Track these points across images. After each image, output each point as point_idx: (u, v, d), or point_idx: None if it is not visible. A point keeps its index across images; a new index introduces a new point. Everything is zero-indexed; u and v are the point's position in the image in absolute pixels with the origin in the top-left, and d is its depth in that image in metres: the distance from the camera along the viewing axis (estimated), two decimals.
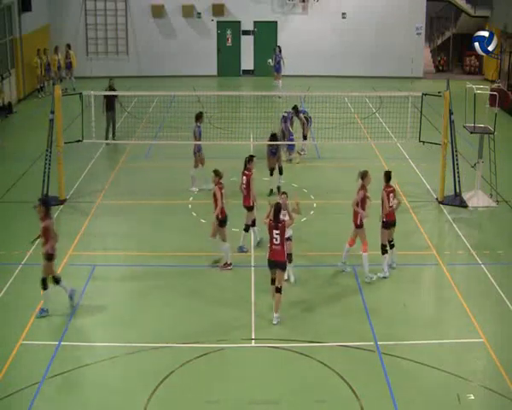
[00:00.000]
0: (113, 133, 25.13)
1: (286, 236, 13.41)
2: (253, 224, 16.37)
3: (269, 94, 28.05)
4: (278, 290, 13.23)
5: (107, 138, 24.49)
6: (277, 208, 13.31)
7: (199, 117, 20.31)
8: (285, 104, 23.56)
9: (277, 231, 13.13)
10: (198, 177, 20.14)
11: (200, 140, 20.11)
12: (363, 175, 15.39)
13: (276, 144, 19.89)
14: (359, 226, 15.19)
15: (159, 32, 36.53)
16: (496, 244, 17.07)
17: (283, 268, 13.40)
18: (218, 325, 13.28)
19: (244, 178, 16.27)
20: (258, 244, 16.50)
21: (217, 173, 15.50)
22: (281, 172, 19.96)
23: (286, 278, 14.18)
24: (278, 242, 13.16)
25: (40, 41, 33.53)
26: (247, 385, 11.66)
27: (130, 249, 16.54)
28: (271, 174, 19.94)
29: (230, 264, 15.43)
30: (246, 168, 16.38)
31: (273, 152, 19.84)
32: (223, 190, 15.30)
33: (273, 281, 13.40)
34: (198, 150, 20.20)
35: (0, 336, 12.96)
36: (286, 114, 22.29)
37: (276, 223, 13.18)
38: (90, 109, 19.82)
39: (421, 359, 12.32)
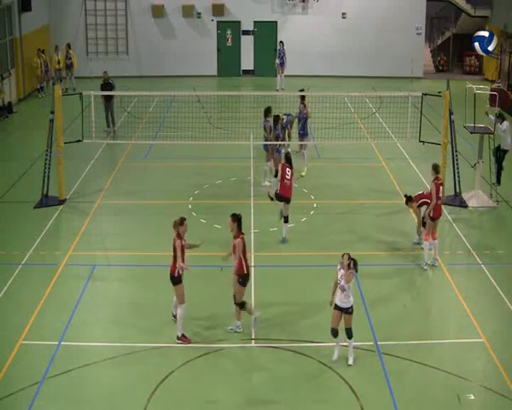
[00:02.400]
0: (113, 123, 25.90)
1: (347, 305, 12.01)
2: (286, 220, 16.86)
3: (269, 94, 28.03)
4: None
5: (108, 126, 25.57)
6: (238, 219, 13.01)
7: (267, 112, 20.27)
8: (285, 104, 23.50)
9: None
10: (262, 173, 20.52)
11: (271, 134, 20.18)
12: (435, 168, 15.76)
13: (278, 143, 19.85)
14: (433, 219, 15.56)
15: (159, 32, 36.52)
16: (496, 244, 17.07)
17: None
18: (218, 325, 13.28)
19: (289, 169, 16.58)
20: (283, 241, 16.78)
21: (176, 224, 13.25)
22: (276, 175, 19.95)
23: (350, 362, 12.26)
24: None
25: (40, 41, 33.54)
26: (247, 385, 11.67)
27: (130, 249, 16.55)
28: (276, 175, 19.90)
29: (187, 339, 12.87)
30: (289, 162, 16.72)
31: (278, 150, 19.92)
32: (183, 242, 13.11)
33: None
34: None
35: (0, 336, 12.98)
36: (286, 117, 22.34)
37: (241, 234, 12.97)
38: (90, 109, 19.86)
39: (421, 359, 12.33)
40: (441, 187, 15.68)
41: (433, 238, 15.62)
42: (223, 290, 14.38)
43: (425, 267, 15.54)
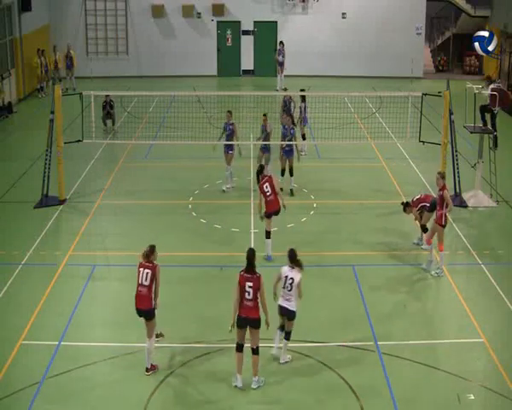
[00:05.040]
0: (113, 122, 26.43)
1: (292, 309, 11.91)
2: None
3: (269, 94, 28.05)
4: (255, 352, 11.59)
5: (105, 125, 26.04)
6: (251, 254, 11.54)
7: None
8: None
9: (250, 284, 11.37)
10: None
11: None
12: (443, 176, 15.48)
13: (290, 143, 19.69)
14: (444, 226, 15.24)
15: (159, 32, 36.53)
16: (496, 244, 17.07)
17: (257, 326, 11.50)
18: (218, 325, 13.26)
19: (267, 184, 15.64)
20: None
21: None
22: (291, 174, 19.82)
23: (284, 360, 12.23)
24: (251, 296, 11.39)
25: (40, 41, 33.55)
26: (247, 385, 11.66)
27: (130, 249, 16.52)
28: (282, 175, 19.84)
29: (155, 367, 12.03)
30: (261, 177, 15.92)
31: (286, 151, 19.66)
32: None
33: (240, 346, 11.62)
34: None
35: (0, 336, 12.98)
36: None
37: (249, 275, 11.43)
38: (90, 109, 19.87)
39: (421, 359, 12.33)
40: None
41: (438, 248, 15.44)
42: (222, 290, 14.38)
43: (442, 274, 15.33)
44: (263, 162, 19.15)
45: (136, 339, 12.81)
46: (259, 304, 11.42)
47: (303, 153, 23.40)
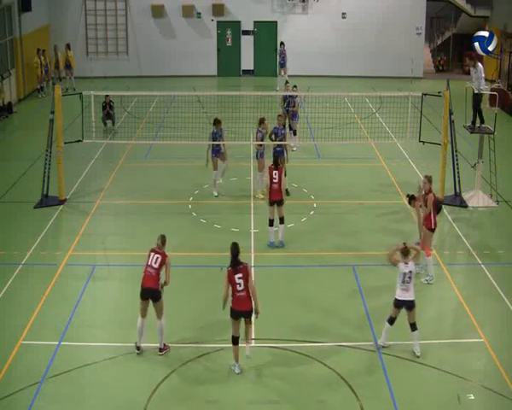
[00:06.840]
0: (113, 123, 26.52)
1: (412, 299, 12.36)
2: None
3: (269, 94, 28.04)
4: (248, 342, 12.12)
5: (105, 125, 26.18)
6: (235, 250, 11.88)
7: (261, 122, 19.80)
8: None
9: (240, 275, 11.73)
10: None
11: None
12: (430, 179, 15.40)
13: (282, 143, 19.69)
14: (433, 230, 15.23)
15: (159, 32, 36.53)
16: (496, 244, 17.08)
17: (250, 316, 11.86)
18: (218, 325, 13.27)
19: (276, 172, 16.39)
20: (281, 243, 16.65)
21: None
22: (285, 174, 19.79)
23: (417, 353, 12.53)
24: (242, 287, 11.72)
25: (40, 41, 33.54)
26: (247, 385, 11.67)
27: (130, 249, 16.55)
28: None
29: (168, 347, 12.67)
30: (275, 163, 16.58)
31: (278, 151, 19.59)
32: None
33: (235, 339, 11.93)
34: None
35: (0, 336, 12.98)
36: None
37: (237, 267, 11.80)
38: (90, 109, 19.87)
39: (421, 359, 12.33)
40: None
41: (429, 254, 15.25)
42: (222, 290, 14.37)
43: (431, 282, 15.18)
44: (262, 172, 19.41)
45: (136, 339, 12.80)
46: (251, 294, 11.70)
47: (294, 148, 23.36)
